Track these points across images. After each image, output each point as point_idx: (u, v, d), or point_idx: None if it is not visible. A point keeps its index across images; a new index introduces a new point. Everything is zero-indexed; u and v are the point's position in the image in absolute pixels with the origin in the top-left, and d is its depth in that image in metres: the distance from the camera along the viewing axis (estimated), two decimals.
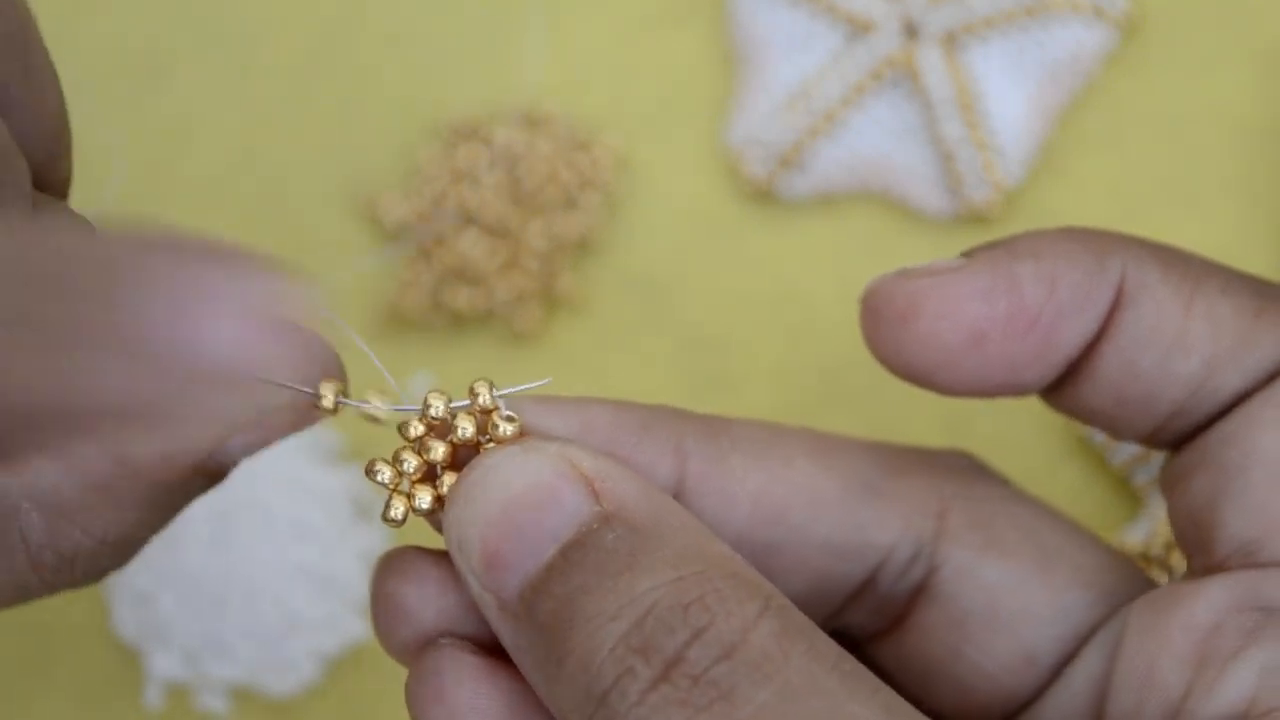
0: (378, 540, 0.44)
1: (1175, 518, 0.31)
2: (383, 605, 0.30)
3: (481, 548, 0.28)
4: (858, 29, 0.46)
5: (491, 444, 0.30)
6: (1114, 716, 0.30)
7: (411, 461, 0.30)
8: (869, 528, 0.32)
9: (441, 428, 0.30)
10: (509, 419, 0.30)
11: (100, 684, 0.44)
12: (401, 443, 0.30)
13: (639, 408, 0.32)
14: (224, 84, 0.49)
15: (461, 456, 0.30)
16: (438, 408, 0.30)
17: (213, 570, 0.43)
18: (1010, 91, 0.46)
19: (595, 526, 0.28)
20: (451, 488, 0.29)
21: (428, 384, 0.46)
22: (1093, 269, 0.30)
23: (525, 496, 0.28)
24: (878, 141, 0.46)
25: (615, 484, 0.28)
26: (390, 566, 0.30)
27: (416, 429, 0.30)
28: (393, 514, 0.30)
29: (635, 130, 0.47)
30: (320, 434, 0.45)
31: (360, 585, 0.44)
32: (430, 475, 0.30)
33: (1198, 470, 0.30)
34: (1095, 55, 0.46)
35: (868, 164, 0.46)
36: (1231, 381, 0.30)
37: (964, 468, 0.33)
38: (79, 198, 0.48)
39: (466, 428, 0.30)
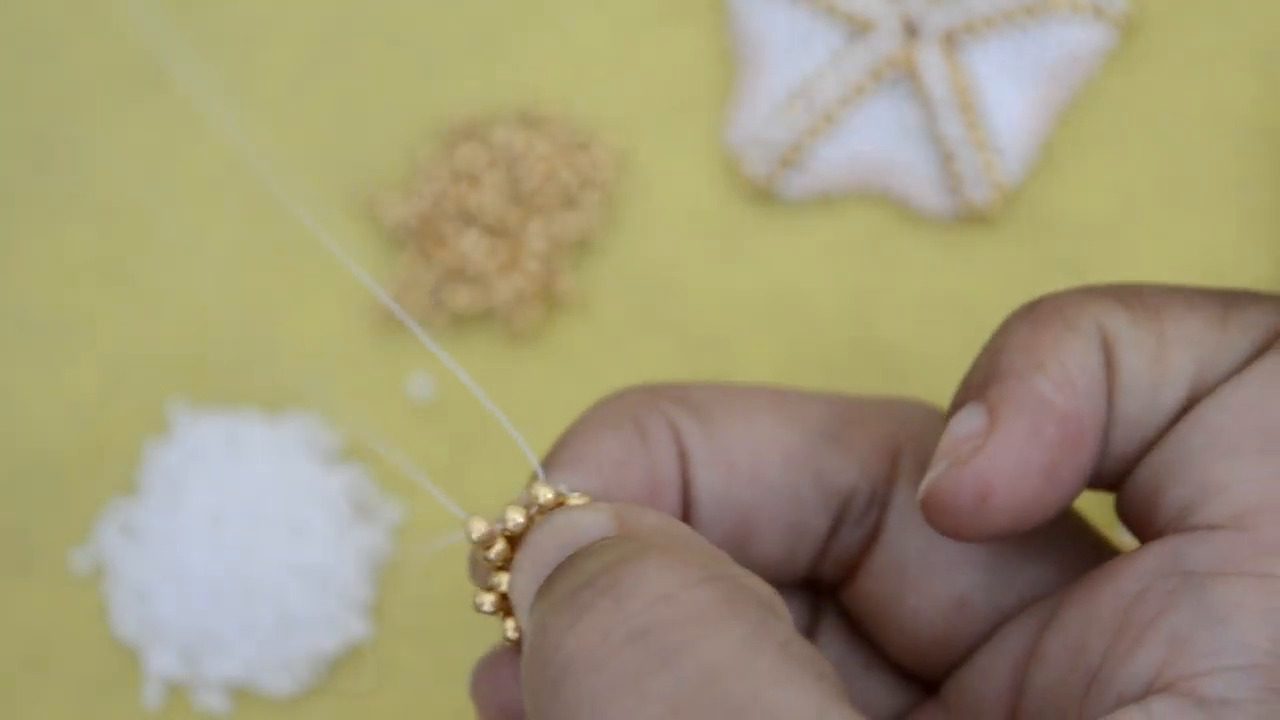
0: (377, 540, 0.44)
1: (1127, 492, 0.31)
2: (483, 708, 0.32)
3: (522, 582, 0.29)
4: (858, 29, 0.46)
5: None
6: (1039, 682, 0.30)
7: (504, 579, 0.31)
8: (830, 476, 0.33)
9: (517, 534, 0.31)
10: (581, 494, 0.31)
11: (98, 683, 0.44)
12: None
13: (624, 405, 0.33)
14: (224, 84, 0.49)
15: None
16: (516, 520, 0.31)
17: (212, 569, 0.43)
18: (1010, 91, 0.46)
19: (596, 544, 0.28)
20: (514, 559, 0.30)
21: (427, 386, 0.46)
22: (1086, 346, 0.30)
23: (559, 534, 0.29)
24: (878, 141, 0.46)
25: (633, 514, 0.29)
26: (479, 670, 0.32)
27: (498, 549, 0.30)
28: (510, 634, 0.31)
29: (635, 130, 0.47)
30: (319, 433, 0.45)
31: (359, 585, 0.44)
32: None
33: (1151, 453, 0.30)
34: (1095, 55, 0.46)
35: (868, 164, 0.46)
36: (1212, 388, 0.30)
37: (924, 414, 0.34)
38: (80, 198, 0.48)
39: (519, 521, 0.31)
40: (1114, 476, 0.31)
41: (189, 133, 0.48)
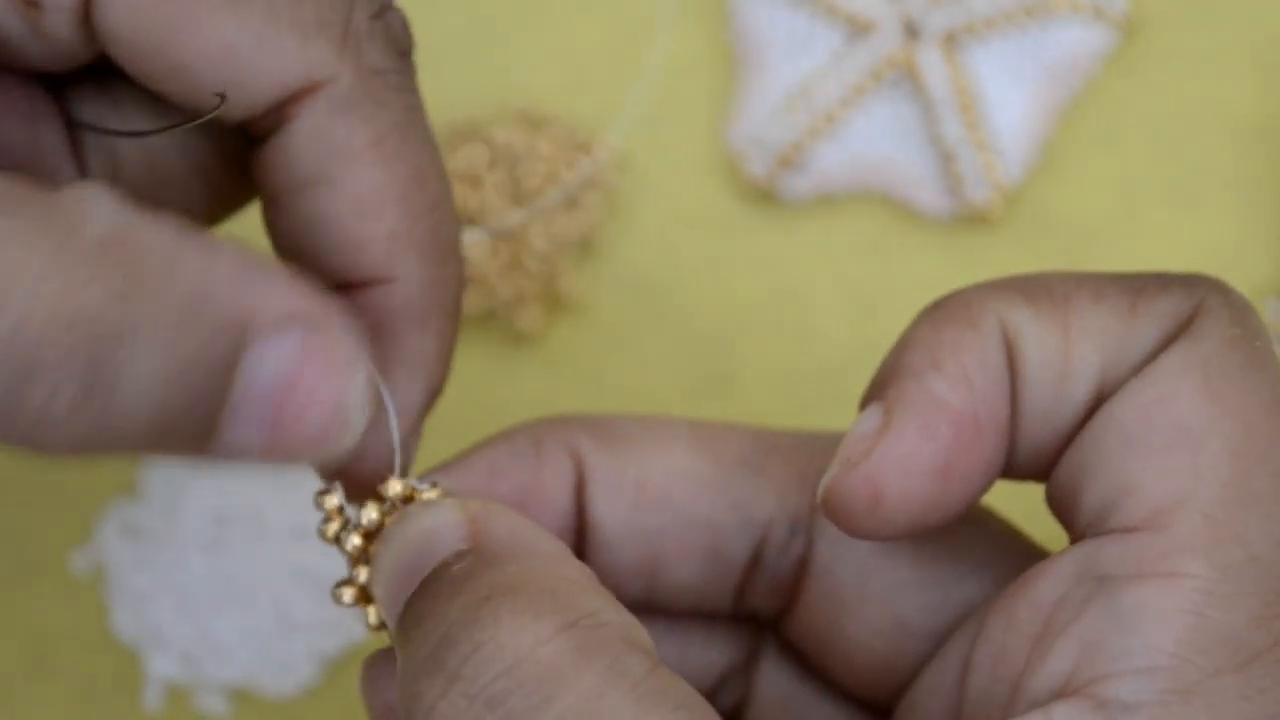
0: None
1: (1050, 493, 0.31)
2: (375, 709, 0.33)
3: (385, 595, 0.30)
4: (858, 29, 0.46)
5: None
6: (971, 693, 0.30)
7: (364, 572, 0.32)
8: (747, 505, 0.33)
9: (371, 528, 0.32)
10: (432, 485, 0.32)
11: (99, 685, 0.44)
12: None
13: (530, 428, 0.34)
14: None
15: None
16: (371, 517, 0.32)
17: (211, 572, 0.43)
18: (1010, 92, 0.46)
19: (450, 559, 0.29)
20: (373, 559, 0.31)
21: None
22: (986, 343, 0.30)
23: (412, 544, 0.30)
24: (878, 142, 0.46)
25: (488, 520, 0.30)
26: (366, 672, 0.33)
27: (353, 542, 0.32)
28: (372, 621, 0.32)
29: (636, 131, 0.47)
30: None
31: None
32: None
33: (1069, 450, 0.30)
34: (1095, 55, 0.46)
35: (868, 164, 0.46)
36: (1122, 379, 0.30)
37: None
38: None
39: (373, 518, 0.32)
40: (1035, 469, 0.31)
41: None
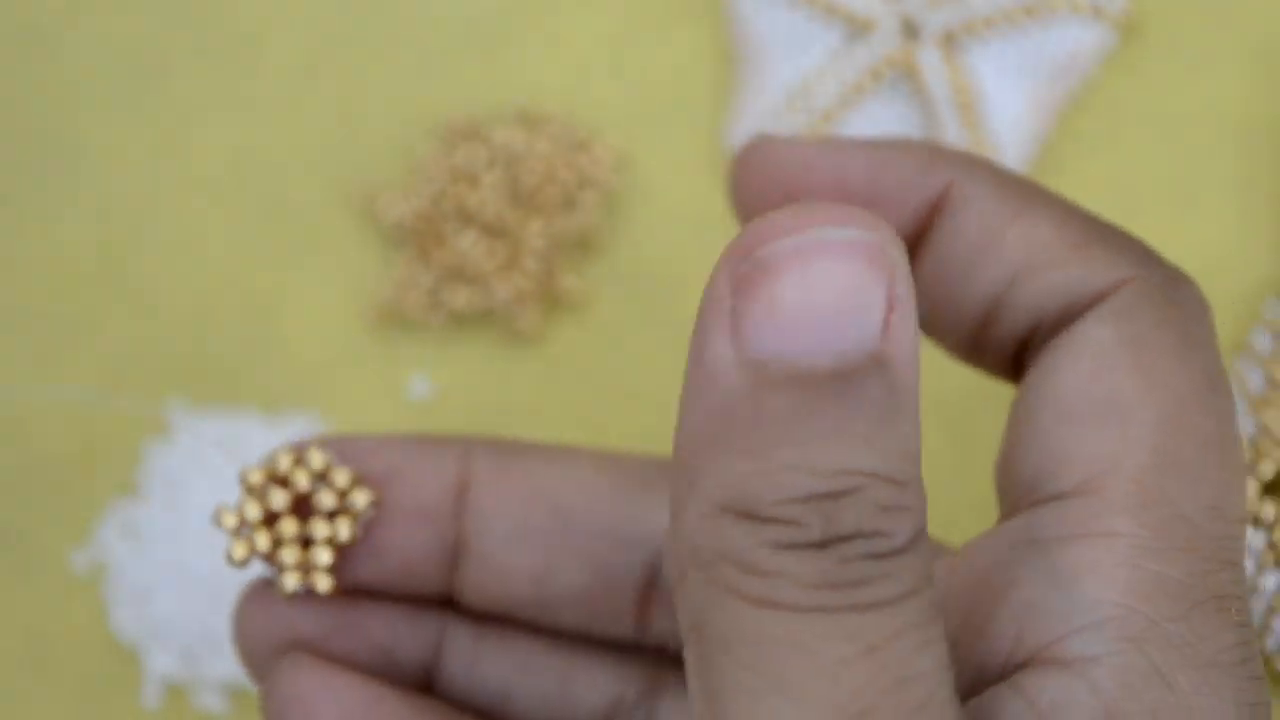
0: None
1: (995, 469, 0.31)
2: (241, 631, 0.34)
3: (770, 303, 0.26)
4: (857, 29, 0.46)
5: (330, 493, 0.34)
6: None
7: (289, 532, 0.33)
8: (643, 517, 0.34)
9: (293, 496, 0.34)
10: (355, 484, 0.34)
11: (98, 683, 0.44)
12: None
13: (432, 433, 0.35)
14: (224, 84, 0.49)
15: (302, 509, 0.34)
16: (300, 482, 0.34)
17: (211, 570, 0.43)
18: (1010, 92, 0.46)
19: (866, 366, 0.26)
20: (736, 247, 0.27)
21: (426, 386, 0.46)
22: (920, 170, 0.31)
23: (835, 287, 0.26)
24: None
25: (902, 323, 0.26)
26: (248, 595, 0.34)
27: (277, 499, 0.33)
28: (290, 588, 0.33)
29: (634, 130, 0.47)
30: (316, 432, 0.45)
31: None
32: (270, 521, 0.34)
33: (1010, 419, 0.30)
34: (1094, 55, 0.46)
35: None
36: (1029, 299, 0.30)
37: None
38: (79, 196, 0.48)
39: (300, 482, 0.34)
40: (940, 336, 0.32)
41: (189, 132, 0.48)
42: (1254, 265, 0.45)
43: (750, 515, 0.25)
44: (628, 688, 0.35)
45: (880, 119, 0.46)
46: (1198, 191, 0.46)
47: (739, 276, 0.26)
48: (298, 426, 0.45)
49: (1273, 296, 0.44)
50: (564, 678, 0.35)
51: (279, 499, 0.33)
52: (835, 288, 0.25)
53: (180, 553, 0.43)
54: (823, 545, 0.25)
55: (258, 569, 0.35)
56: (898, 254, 0.26)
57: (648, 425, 0.44)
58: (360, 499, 0.33)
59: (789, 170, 0.32)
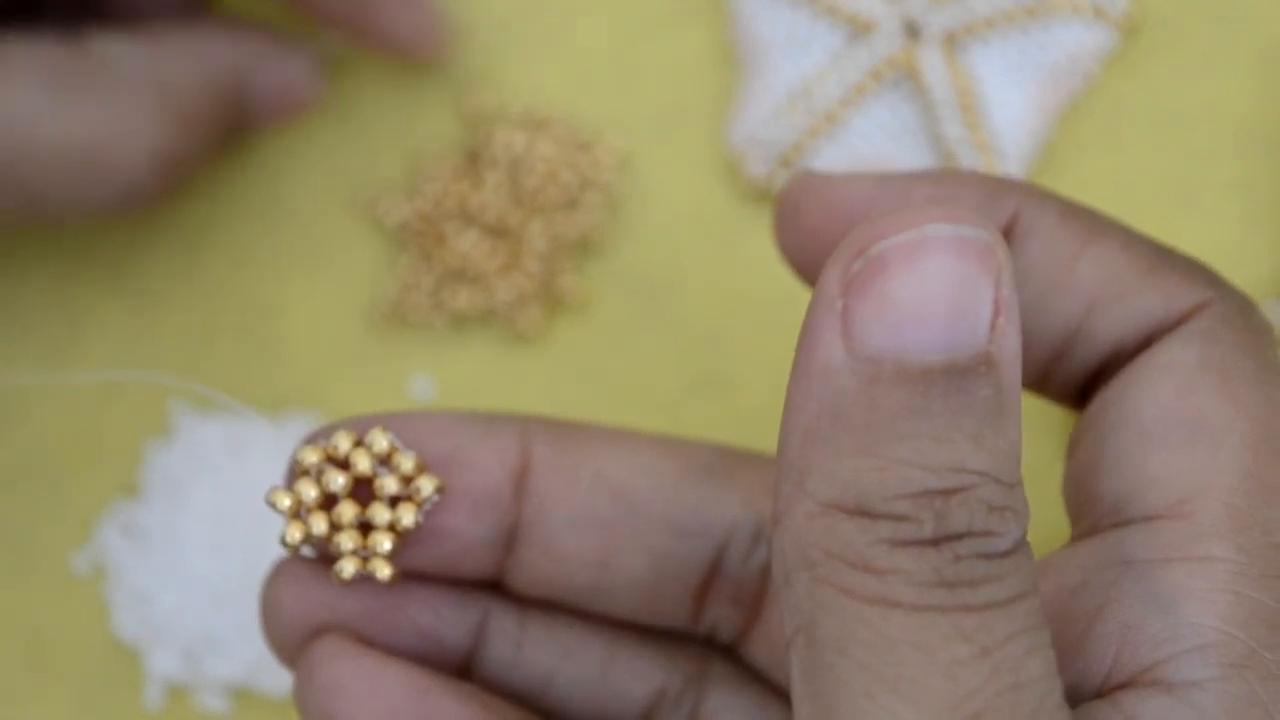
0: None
1: (1065, 487, 0.31)
2: (269, 606, 0.33)
3: (891, 291, 0.26)
4: (858, 29, 0.46)
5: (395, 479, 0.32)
6: None
7: (347, 524, 0.32)
8: (708, 506, 0.33)
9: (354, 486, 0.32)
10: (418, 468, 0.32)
11: (99, 684, 0.44)
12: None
13: (494, 411, 0.34)
14: None
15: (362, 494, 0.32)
16: (361, 465, 0.32)
17: (212, 570, 0.43)
18: (1011, 92, 0.46)
19: (976, 366, 0.26)
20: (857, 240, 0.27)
21: (428, 387, 0.46)
22: (985, 201, 0.30)
23: (949, 284, 0.26)
24: (878, 142, 0.46)
25: (1008, 325, 0.26)
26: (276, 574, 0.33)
27: (334, 481, 0.32)
28: (348, 574, 0.32)
29: (636, 131, 0.47)
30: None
31: None
32: (329, 504, 0.32)
33: (1083, 437, 0.30)
34: (1095, 56, 0.46)
35: (868, 164, 0.46)
36: (1110, 329, 0.30)
37: None
38: None
39: (361, 463, 0.32)
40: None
41: None
42: (1254, 265, 0.45)
43: (863, 512, 0.25)
44: (672, 677, 0.34)
45: (881, 120, 0.46)
46: (1198, 192, 0.46)
47: (850, 275, 0.26)
48: (298, 426, 0.45)
49: (1273, 297, 0.45)
50: (607, 665, 0.34)
51: (336, 481, 0.31)
52: (946, 282, 0.25)
53: (181, 553, 0.43)
54: (935, 543, 0.25)
55: (258, 568, 0.34)
56: (1004, 254, 0.26)
57: (649, 426, 0.44)
58: (427, 486, 0.32)
59: (848, 206, 0.31)
